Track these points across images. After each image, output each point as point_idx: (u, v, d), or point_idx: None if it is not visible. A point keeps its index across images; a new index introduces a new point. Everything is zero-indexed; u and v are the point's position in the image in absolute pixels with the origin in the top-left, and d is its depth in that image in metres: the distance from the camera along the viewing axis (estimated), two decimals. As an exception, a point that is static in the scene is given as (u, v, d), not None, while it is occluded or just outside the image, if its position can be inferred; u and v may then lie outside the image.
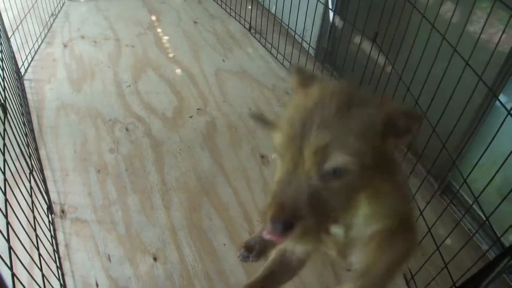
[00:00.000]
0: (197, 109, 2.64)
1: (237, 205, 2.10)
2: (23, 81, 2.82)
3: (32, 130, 2.44)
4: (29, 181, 1.82)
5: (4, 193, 1.43)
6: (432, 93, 1.66)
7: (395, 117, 0.84)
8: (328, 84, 0.93)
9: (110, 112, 2.59)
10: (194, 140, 2.43)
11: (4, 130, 1.62)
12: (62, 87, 2.79)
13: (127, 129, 2.48)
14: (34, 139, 2.39)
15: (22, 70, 2.89)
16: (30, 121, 2.49)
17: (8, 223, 1.37)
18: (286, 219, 0.80)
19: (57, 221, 2.03)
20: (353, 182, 0.85)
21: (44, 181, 2.14)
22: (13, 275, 1.21)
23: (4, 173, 1.48)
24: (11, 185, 1.54)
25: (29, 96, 2.72)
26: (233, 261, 1.89)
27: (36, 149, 2.33)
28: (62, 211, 2.06)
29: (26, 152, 1.91)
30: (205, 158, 2.33)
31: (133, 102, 2.68)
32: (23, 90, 2.73)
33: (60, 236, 1.97)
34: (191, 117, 2.58)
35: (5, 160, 1.52)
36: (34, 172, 1.92)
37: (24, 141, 1.97)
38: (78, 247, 1.93)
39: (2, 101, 1.77)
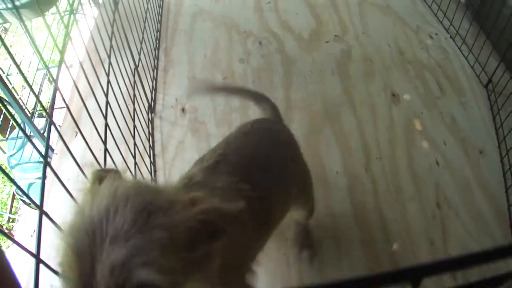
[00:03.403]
0: (335, 35, 2.53)
1: (358, 137, 2.01)
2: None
3: (158, 31, 2.50)
4: (133, 76, 1.86)
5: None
6: None
7: (204, 222, 0.71)
8: (123, 182, 0.74)
9: (245, 24, 2.56)
10: (326, 65, 2.34)
11: (114, 20, 1.68)
12: (202, -6, 2.78)
13: (260, 43, 2.43)
14: (158, 39, 2.44)
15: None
16: (159, 22, 2.56)
17: (107, 103, 1.38)
18: None
19: (177, 118, 2.05)
20: None
21: (154, 79, 2.20)
22: (106, 150, 1.22)
23: (109, 58, 1.49)
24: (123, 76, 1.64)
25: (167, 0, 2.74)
26: (342, 190, 1.82)
27: (157, 48, 2.38)
28: (182, 110, 2.08)
29: (136, 47, 1.96)
30: (334, 85, 2.23)
31: (271, 18, 2.62)
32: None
33: (177, 133, 1.99)
34: (327, 42, 2.48)
35: (111, 47, 1.54)
36: (144, 68, 1.98)
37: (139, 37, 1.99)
38: (191, 147, 1.97)
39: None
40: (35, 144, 2.24)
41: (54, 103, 1.13)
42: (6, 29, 3.14)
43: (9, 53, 0.89)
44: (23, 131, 0.77)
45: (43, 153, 0.89)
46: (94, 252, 0.62)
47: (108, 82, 1.42)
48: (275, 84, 2.20)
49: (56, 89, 0.99)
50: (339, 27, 2.59)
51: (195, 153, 1.90)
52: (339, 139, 1.98)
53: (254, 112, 2.05)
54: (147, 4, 2.28)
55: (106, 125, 1.31)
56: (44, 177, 0.86)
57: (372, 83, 2.26)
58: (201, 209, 0.72)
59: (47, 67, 0.94)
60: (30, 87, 0.97)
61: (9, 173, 2.83)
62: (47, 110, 0.98)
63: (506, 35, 2.17)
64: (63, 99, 1.12)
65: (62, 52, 1.01)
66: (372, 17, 2.70)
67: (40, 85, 2.81)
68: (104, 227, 0.63)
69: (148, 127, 1.95)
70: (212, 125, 2.02)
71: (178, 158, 1.91)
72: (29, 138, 0.79)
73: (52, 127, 0.97)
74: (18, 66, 0.90)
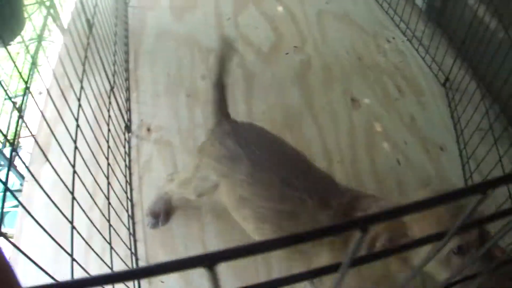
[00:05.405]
0: (294, 47, 2.59)
1: (319, 143, 2.07)
2: (127, 8, 2.88)
3: (126, 53, 2.52)
4: (109, 97, 1.91)
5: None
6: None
7: None
8: None
9: (207, 42, 2.61)
10: (286, 76, 2.40)
11: (88, 43, 1.68)
12: (165, 15, 2.83)
13: (222, 59, 2.48)
14: (127, 61, 2.47)
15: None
16: (126, 45, 2.58)
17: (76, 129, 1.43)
18: None
19: (142, 138, 2.09)
20: None
21: (128, 100, 2.23)
22: (74, 172, 1.27)
23: (81, 82, 1.54)
24: (96, 98, 1.65)
25: (131, 22, 2.79)
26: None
27: (127, 70, 2.42)
28: (148, 130, 2.12)
29: (110, 70, 1.99)
30: (294, 95, 2.30)
31: (231, 34, 2.67)
32: (126, 16, 2.81)
33: (143, 152, 2.04)
34: (287, 54, 2.54)
35: (84, 70, 1.58)
36: (115, 90, 2.01)
37: (111, 59, 2.04)
38: (158, 164, 2.00)
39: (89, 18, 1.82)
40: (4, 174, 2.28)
41: (19, 131, 1.17)
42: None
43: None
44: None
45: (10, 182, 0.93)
46: None
47: (79, 106, 1.46)
48: (237, 98, 2.25)
49: (20, 117, 1.03)
50: (298, 38, 2.66)
51: (162, 171, 1.95)
52: (301, 147, 2.02)
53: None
54: (115, 27, 2.32)
55: (76, 148, 1.35)
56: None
57: (331, 90, 2.33)
58: None
59: (9, 98, 0.98)
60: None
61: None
62: (12, 139, 1.03)
63: (460, 31, 2.25)
64: (27, 127, 1.16)
65: (27, 81, 1.05)
66: (330, 26, 2.78)
67: (10, 113, 2.82)
68: None
69: (124, 147, 1.99)
70: (177, 143, 2.07)
71: (145, 177, 1.95)
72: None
73: (20, 155, 1.01)
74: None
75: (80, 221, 1.30)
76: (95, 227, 1.36)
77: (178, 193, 1.71)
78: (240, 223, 1.44)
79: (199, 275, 1.62)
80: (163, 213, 1.80)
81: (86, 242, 1.24)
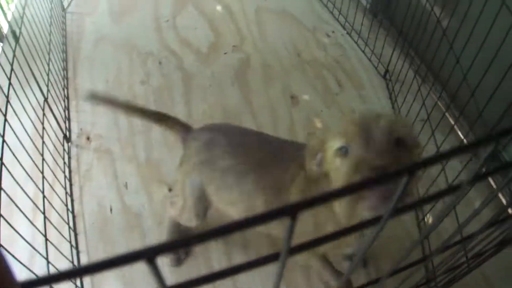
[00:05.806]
0: (233, 46, 2.59)
1: (260, 142, 2.07)
2: (65, 14, 2.84)
3: (64, 60, 2.47)
4: (42, 109, 1.88)
5: (5, 116, 1.46)
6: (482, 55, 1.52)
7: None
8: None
9: (145, 45, 2.59)
10: (225, 75, 2.40)
11: (14, 56, 1.67)
12: (103, 20, 2.80)
13: (160, 62, 2.47)
14: (65, 69, 2.43)
15: (66, 4, 2.91)
16: (64, 52, 2.53)
17: (2, 144, 1.40)
18: None
19: (82, 147, 2.06)
20: None
21: (66, 109, 2.21)
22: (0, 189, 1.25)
23: (7, 96, 1.52)
24: (27, 111, 1.66)
25: (69, 28, 2.75)
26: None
27: (65, 78, 2.38)
28: (88, 138, 2.09)
29: (44, 80, 1.98)
30: (234, 94, 2.30)
31: (170, 36, 2.66)
32: (64, 22, 2.77)
33: (83, 161, 2.01)
34: (225, 53, 2.54)
35: (10, 84, 1.56)
36: (53, 100, 1.99)
37: (45, 69, 2.01)
38: (98, 173, 1.97)
39: (14, 29, 1.79)
40: None
41: None
42: None
43: None
44: None
45: None
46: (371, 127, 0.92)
47: (5, 120, 1.43)
48: (176, 101, 2.24)
49: None
50: (237, 37, 2.67)
51: (102, 180, 1.93)
52: (241, 146, 2.04)
53: (156, 133, 2.09)
54: (50, 35, 2.28)
55: (2, 164, 1.33)
56: None
57: (271, 88, 2.34)
58: None
59: None
60: None
61: None
62: None
63: (398, 20, 2.27)
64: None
65: None
66: (269, 23, 2.79)
67: None
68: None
69: (63, 158, 1.96)
70: (117, 150, 2.04)
71: (86, 186, 1.92)
72: None
73: None
74: None
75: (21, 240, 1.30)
76: (31, 245, 1.34)
77: (184, 219, 1.55)
78: (227, 210, 1.42)
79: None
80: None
81: (20, 262, 1.22)
